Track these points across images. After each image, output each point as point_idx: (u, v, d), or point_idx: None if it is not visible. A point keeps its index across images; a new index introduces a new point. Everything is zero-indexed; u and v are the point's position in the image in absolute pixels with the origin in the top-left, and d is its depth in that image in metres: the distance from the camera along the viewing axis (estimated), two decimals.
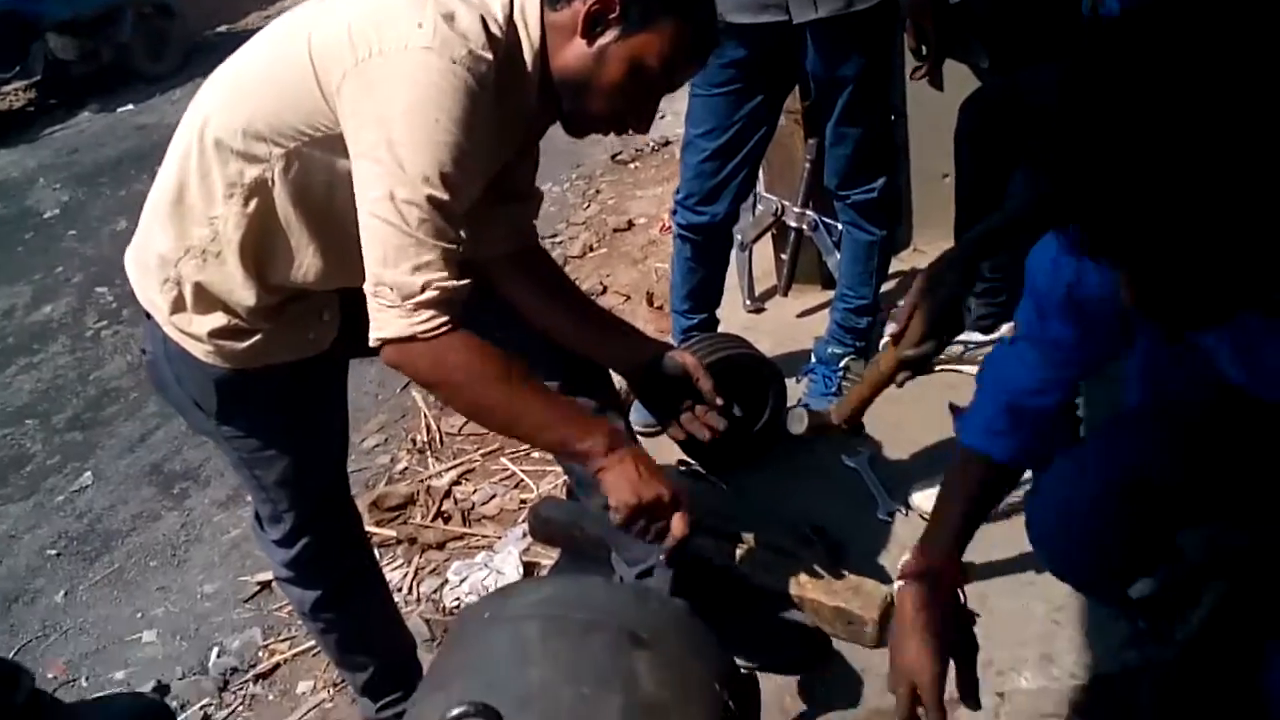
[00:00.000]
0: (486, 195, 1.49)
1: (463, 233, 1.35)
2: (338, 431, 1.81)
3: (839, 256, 2.72)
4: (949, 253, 1.76)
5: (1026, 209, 1.72)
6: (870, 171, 2.40)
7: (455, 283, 1.34)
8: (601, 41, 1.40)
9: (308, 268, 1.51)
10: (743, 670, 1.47)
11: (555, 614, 1.33)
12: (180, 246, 1.49)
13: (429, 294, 1.32)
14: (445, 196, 1.30)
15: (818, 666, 1.86)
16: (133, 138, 7.47)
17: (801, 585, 1.96)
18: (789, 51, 2.22)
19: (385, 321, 1.34)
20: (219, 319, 1.52)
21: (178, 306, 1.53)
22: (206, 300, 1.51)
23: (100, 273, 5.15)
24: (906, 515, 2.20)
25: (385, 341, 1.36)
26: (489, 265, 1.69)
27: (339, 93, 1.34)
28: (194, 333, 1.54)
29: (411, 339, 1.34)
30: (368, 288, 1.35)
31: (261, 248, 1.48)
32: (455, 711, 1.09)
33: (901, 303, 1.69)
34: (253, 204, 1.44)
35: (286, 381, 1.62)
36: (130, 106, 8.31)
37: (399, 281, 1.31)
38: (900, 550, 2.11)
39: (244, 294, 1.49)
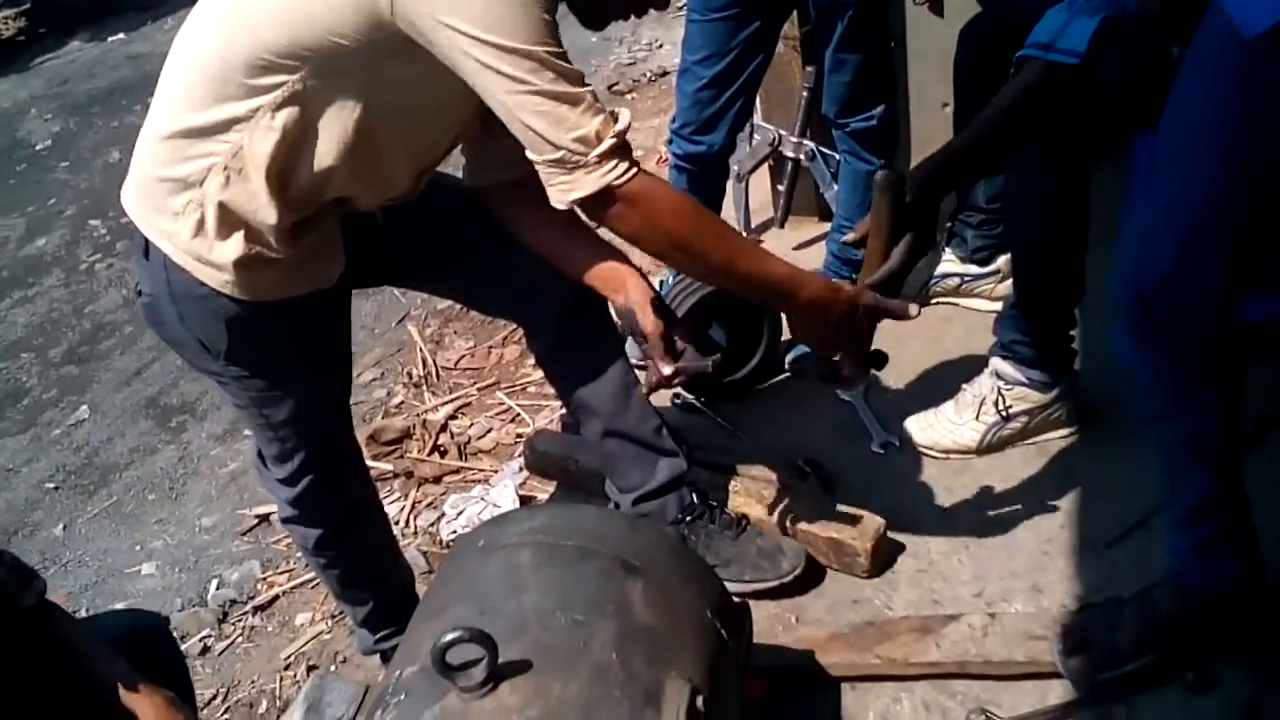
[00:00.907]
0: (490, 119, 1.46)
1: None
2: (343, 368, 1.79)
3: (836, 188, 2.69)
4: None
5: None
6: (869, 99, 2.37)
7: (617, 124, 1.34)
8: None
9: (335, 182, 1.48)
10: (735, 598, 1.49)
11: (548, 542, 1.34)
12: (202, 166, 1.45)
13: (607, 143, 1.33)
14: (558, 48, 1.30)
15: (807, 588, 1.87)
16: (124, 67, 7.36)
17: (795, 517, 1.96)
18: None
19: (573, 184, 1.35)
20: (239, 245, 1.48)
21: (199, 230, 1.49)
22: (230, 222, 1.47)
23: (93, 205, 5.11)
24: (900, 447, 2.20)
25: (582, 201, 1.37)
26: (490, 192, 1.68)
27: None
28: (214, 260, 1.49)
29: (606, 191, 1.35)
30: (540, 164, 1.35)
31: (287, 162, 1.44)
32: (449, 637, 1.10)
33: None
34: (280, 116, 1.40)
35: (297, 317, 1.59)
36: (121, 35, 8.18)
37: (570, 143, 1.32)
38: (894, 482, 2.12)
39: (267, 212, 1.45)
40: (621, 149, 1.35)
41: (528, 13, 1.28)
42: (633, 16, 1.52)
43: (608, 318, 1.82)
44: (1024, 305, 2.01)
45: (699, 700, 1.17)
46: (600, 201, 1.37)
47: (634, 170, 1.36)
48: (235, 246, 1.48)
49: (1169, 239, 1.36)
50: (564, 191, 1.36)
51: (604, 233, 1.56)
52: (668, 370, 1.59)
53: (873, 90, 2.36)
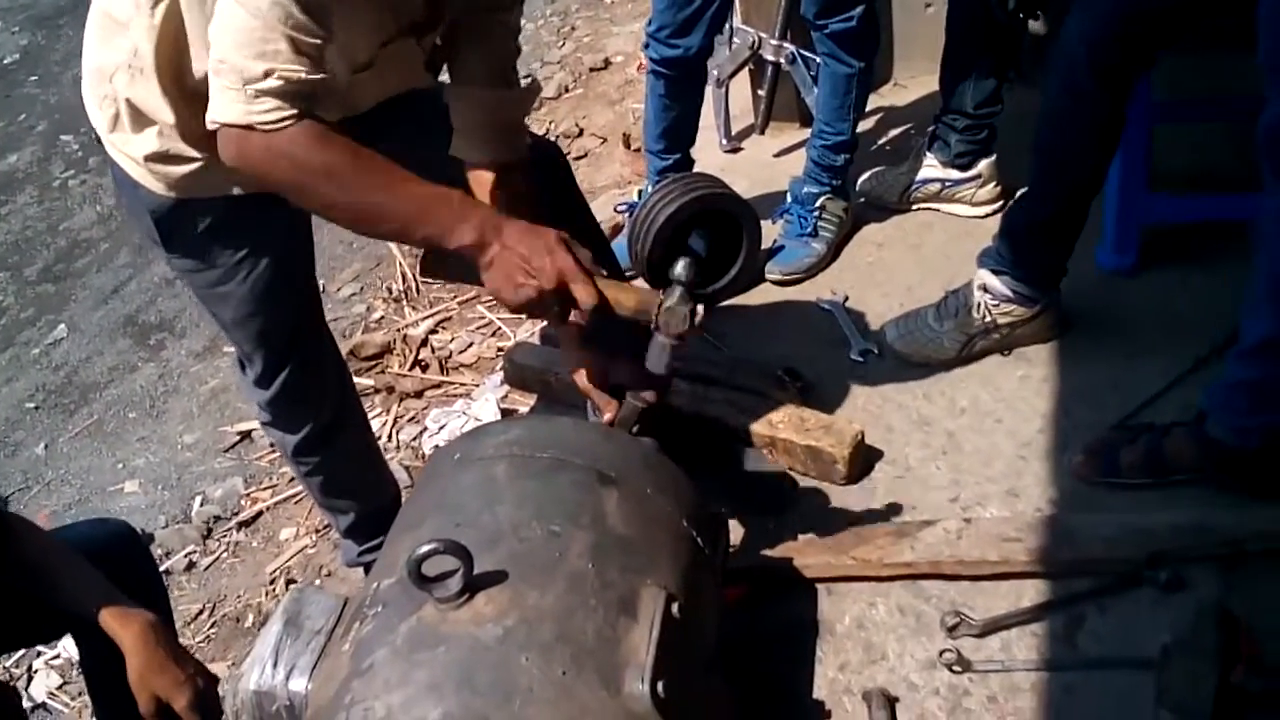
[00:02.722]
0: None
1: (327, 28, 1.24)
2: (296, 269, 1.75)
3: (817, 91, 2.64)
4: None
5: None
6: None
7: (306, 75, 1.23)
8: None
9: None
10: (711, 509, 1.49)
11: (523, 454, 1.34)
12: (112, 61, 1.45)
13: (270, 82, 1.22)
14: None
15: (785, 510, 1.88)
16: None
17: (773, 425, 1.97)
18: None
19: (223, 105, 1.25)
20: (151, 141, 1.48)
21: (115, 124, 1.50)
22: (139, 119, 1.47)
23: (64, 120, 5.01)
24: (879, 355, 2.20)
25: (221, 125, 1.26)
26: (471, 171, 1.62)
27: None
28: (130, 154, 1.51)
29: (249, 128, 1.24)
30: (210, 65, 1.25)
31: (174, 60, 1.41)
32: (424, 549, 1.10)
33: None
34: (159, 11, 1.38)
35: (227, 219, 1.58)
36: None
37: (241, 65, 1.22)
38: (872, 390, 2.12)
39: (166, 111, 1.44)
40: (287, 95, 1.23)
41: None
42: None
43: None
44: (1039, 230, 1.99)
45: (674, 607, 1.18)
46: (241, 137, 1.26)
47: (287, 121, 1.24)
48: (147, 142, 1.48)
49: None
50: (211, 111, 1.27)
51: None
52: (608, 417, 1.54)
53: None
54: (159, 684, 1.41)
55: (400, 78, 1.62)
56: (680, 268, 1.42)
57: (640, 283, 1.51)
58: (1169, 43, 1.78)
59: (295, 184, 1.30)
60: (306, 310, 1.81)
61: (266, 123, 1.23)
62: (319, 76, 1.25)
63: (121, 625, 1.42)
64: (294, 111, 1.24)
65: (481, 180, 1.61)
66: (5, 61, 6.03)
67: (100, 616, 1.43)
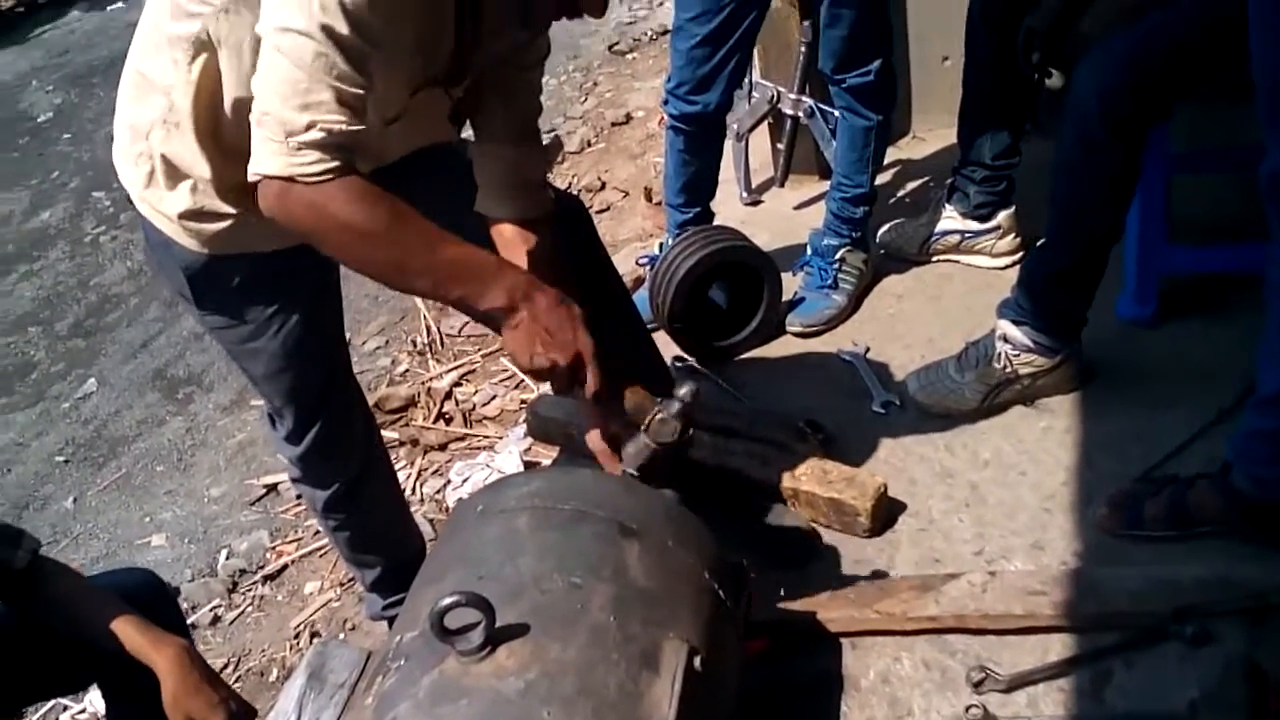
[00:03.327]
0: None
1: (368, 77, 1.25)
2: (326, 324, 1.78)
3: (835, 144, 2.67)
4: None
5: None
6: (866, 54, 2.34)
7: (347, 126, 1.23)
8: None
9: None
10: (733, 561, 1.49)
11: (545, 506, 1.34)
12: (147, 118, 1.48)
13: (313, 134, 1.22)
14: (346, 31, 1.20)
15: (808, 563, 1.88)
16: (124, 36, 7.23)
17: (796, 478, 1.97)
18: None
19: (265, 156, 1.24)
20: (185, 198, 1.50)
21: (149, 181, 1.52)
22: (174, 175, 1.49)
23: (96, 177, 5.11)
24: (901, 406, 2.20)
25: (264, 177, 1.25)
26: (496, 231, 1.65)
27: None
28: (165, 211, 1.53)
29: (290, 180, 1.24)
30: (253, 117, 1.25)
31: (211, 114, 1.43)
32: (446, 602, 1.10)
33: None
34: (196, 67, 1.39)
35: (259, 274, 1.61)
36: (120, 4, 8.15)
37: (284, 117, 1.22)
38: (895, 442, 2.12)
39: (203, 166, 1.46)
40: (329, 146, 1.24)
41: None
42: (565, 18, 1.45)
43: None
44: (1057, 280, 1.99)
45: (696, 660, 1.17)
46: (282, 189, 1.25)
47: (329, 174, 1.24)
48: (181, 199, 1.50)
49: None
50: (253, 163, 1.27)
51: None
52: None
53: (869, 45, 2.34)
54: (194, 706, 1.42)
55: (425, 130, 1.65)
56: (685, 389, 1.44)
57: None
58: (1182, 95, 1.79)
59: (335, 238, 1.30)
60: (336, 365, 1.84)
61: (309, 175, 1.23)
62: (360, 128, 1.26)
63: (156, 650, 1.44)
64: (336, 164, 1.24)
65: (505, 235, 1.63)
66: (40, 120, 6.18)
67: (134, 643, 1.44)
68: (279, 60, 1.22)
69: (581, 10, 1.40)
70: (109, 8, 8.14)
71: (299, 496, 2.51)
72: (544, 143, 1.70)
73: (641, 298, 2.69)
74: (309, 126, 1.22)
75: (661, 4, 5.20)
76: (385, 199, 1.28)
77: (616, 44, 5.06)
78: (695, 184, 2.58)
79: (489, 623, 1.12)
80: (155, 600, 1.68)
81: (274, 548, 2.63)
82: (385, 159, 1.62)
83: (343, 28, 1.19)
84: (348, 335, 3.23)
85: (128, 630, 1.45)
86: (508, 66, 1.61)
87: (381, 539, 2.00)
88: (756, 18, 2.34)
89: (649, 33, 5.03)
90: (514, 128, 1.65)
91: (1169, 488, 1.76)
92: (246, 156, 1.32)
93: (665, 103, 2.51)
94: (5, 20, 8.54)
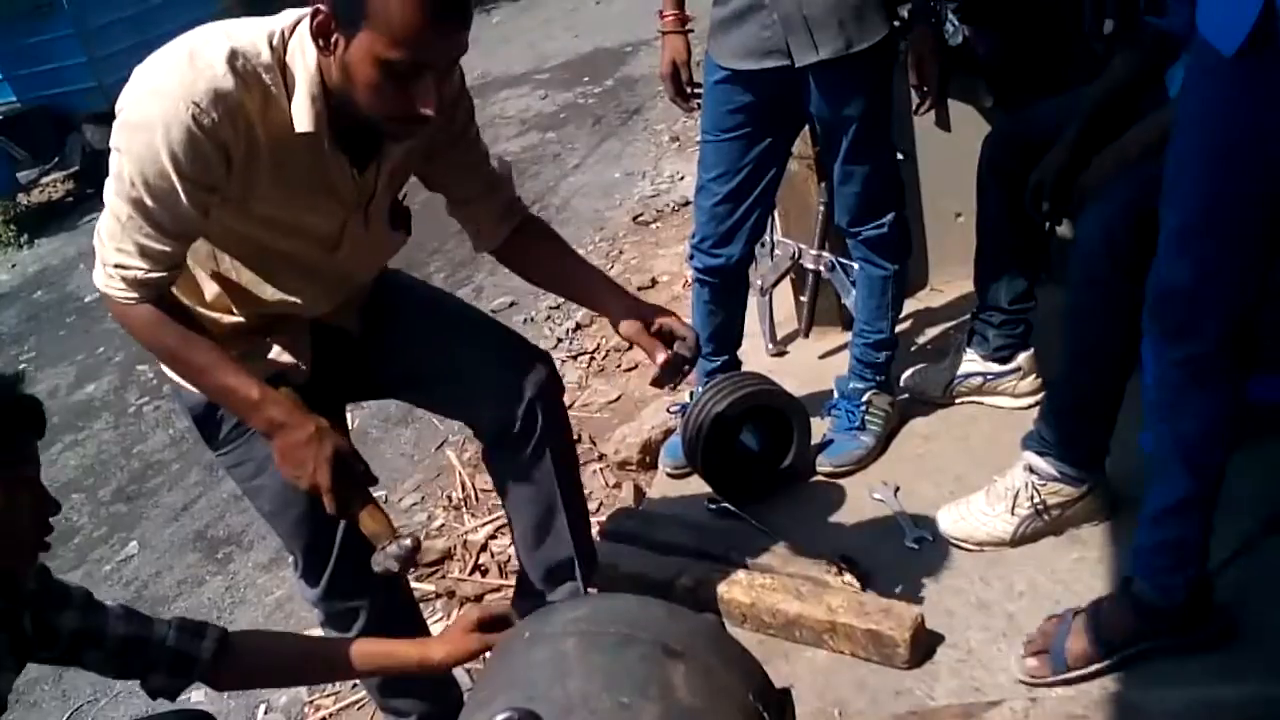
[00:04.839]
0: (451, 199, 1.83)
1: (174, 233, 1.52)
2: None
3: (856, 294, 2.78)
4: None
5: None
6: (879, 208, 2.46)
7: (145, 274, 1.52)
8: (338, 53, 1.46)
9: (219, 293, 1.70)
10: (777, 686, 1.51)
11: (591, 630, 1.38)
12: None
13: (121, 273, 1.53)
14: (150, 204, 1.47)
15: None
16: None
17: (833, 610, 1.99)
18: (794, 94, 2.31)
19: (97, 272, 1.57)
20: None
21: None
22: None
23: (140, 351, 5.19)
24: (933, 542, 2.23)
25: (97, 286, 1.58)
26: (501, 252, 1.89)
27: None
28: None
29: (107, 296, 1.56)
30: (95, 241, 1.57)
31: (192, 283, 1.69)
32: (500, 718, 1.14)
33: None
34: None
35: None
36: None
37: (104, 253, 1.54)
38: (929, 575, 2.15)
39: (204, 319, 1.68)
40: (132, 283, 1.53)
41: (153, 159, 1.44)
42: (391, 143, 1.62)
43: (544, 445, 1.90)
44: (1076, 413, 2.06)
45: None
46: (106, 298, 1.57)
47: (131, 301, 1.54)
48: None
49: (1181, 259, 1.54)
50: (94, 275, 1.58)
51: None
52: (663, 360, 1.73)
53: (882, 199, 2.46)
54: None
55: (373, 253, 1.81)
56: (394, 546, 1.60)
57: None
58: None
59: (143, 345, 1.63)
60: None
61: (117, 298, 1.55)
62: (160, 275, 1.54)
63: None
64: (136, 295, 1.54)
65: (514, 250, 1.88)
66: (87, 300, 6.42)
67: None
68: (106, 211, 1.52)
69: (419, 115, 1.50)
70: None
71: None
72: (499, 174, 1.88)
73: (674, 444, 2.76)
74: (118, 266, 1.53)
75: (682, 178, 5.43)
76: (173, 329, 1.58)
77: (640, 215, 5.27)
78: (721, 334, 2.69)
79: None
80: None
81: (311, 701, 2.63)
82: (352, 281, 1.80)
83: (148, 200, 1.47)
84: (384, 493, 3.33)
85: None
86: (441, 146, 1.77)
87: (413, 687, 2.02)
88: (775, 175, 2.48)
89: (671, 204, 5.25)
90: (480, 184, 1.85)
91: (1076, 618, 1.82)
92: (218, 310, 1.70)
93: (690, 258, 2.63)
94: (57, 209, 8.99)
